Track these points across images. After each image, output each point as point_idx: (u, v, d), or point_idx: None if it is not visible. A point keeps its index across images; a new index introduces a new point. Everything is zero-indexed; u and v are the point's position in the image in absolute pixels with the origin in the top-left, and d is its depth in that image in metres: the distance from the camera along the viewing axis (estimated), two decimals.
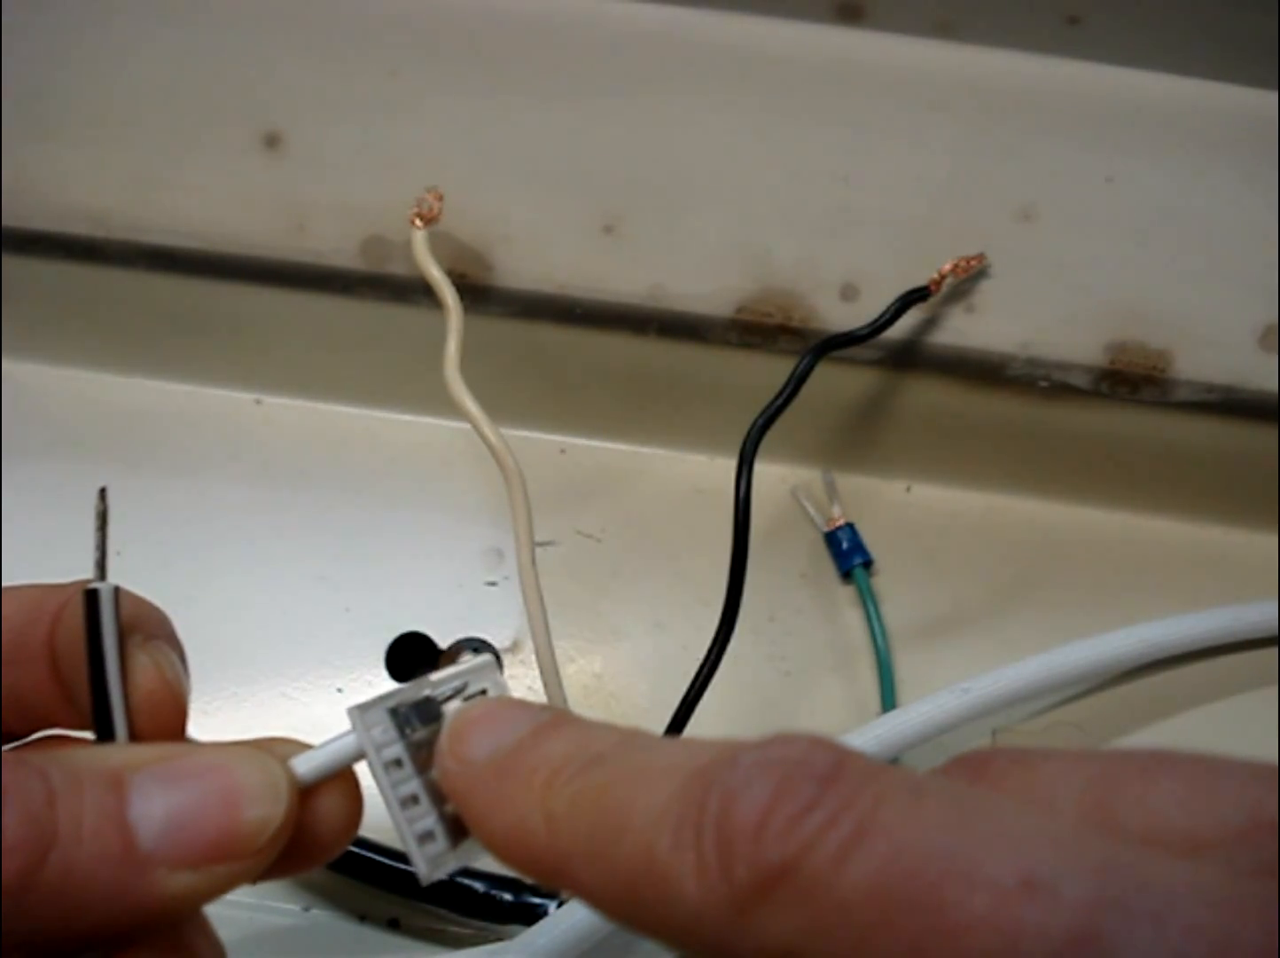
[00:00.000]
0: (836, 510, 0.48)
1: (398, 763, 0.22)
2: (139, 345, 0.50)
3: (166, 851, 0.20)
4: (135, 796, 0.20)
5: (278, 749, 0.22)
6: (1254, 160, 0.45)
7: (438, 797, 0.22)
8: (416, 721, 0.23)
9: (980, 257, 0.44)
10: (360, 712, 0.22)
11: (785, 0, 0.46)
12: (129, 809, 0.20)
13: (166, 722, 0.23)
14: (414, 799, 0.22)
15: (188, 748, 0.22)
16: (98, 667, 0.23)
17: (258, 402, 0.51)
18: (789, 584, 0.47)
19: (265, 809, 0.20)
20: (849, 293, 0.45)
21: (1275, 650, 0.44)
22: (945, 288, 0.44)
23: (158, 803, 0.20)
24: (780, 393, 0.42)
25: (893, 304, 0.43)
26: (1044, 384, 0.45)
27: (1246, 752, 0.17)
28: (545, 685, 0.39)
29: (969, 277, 0.44)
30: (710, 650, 0.40)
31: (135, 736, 0.22)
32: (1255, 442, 0.46)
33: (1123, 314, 0.45)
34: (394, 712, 0.23)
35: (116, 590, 0.23)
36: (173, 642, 0.24)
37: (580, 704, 0.44)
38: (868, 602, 0.46)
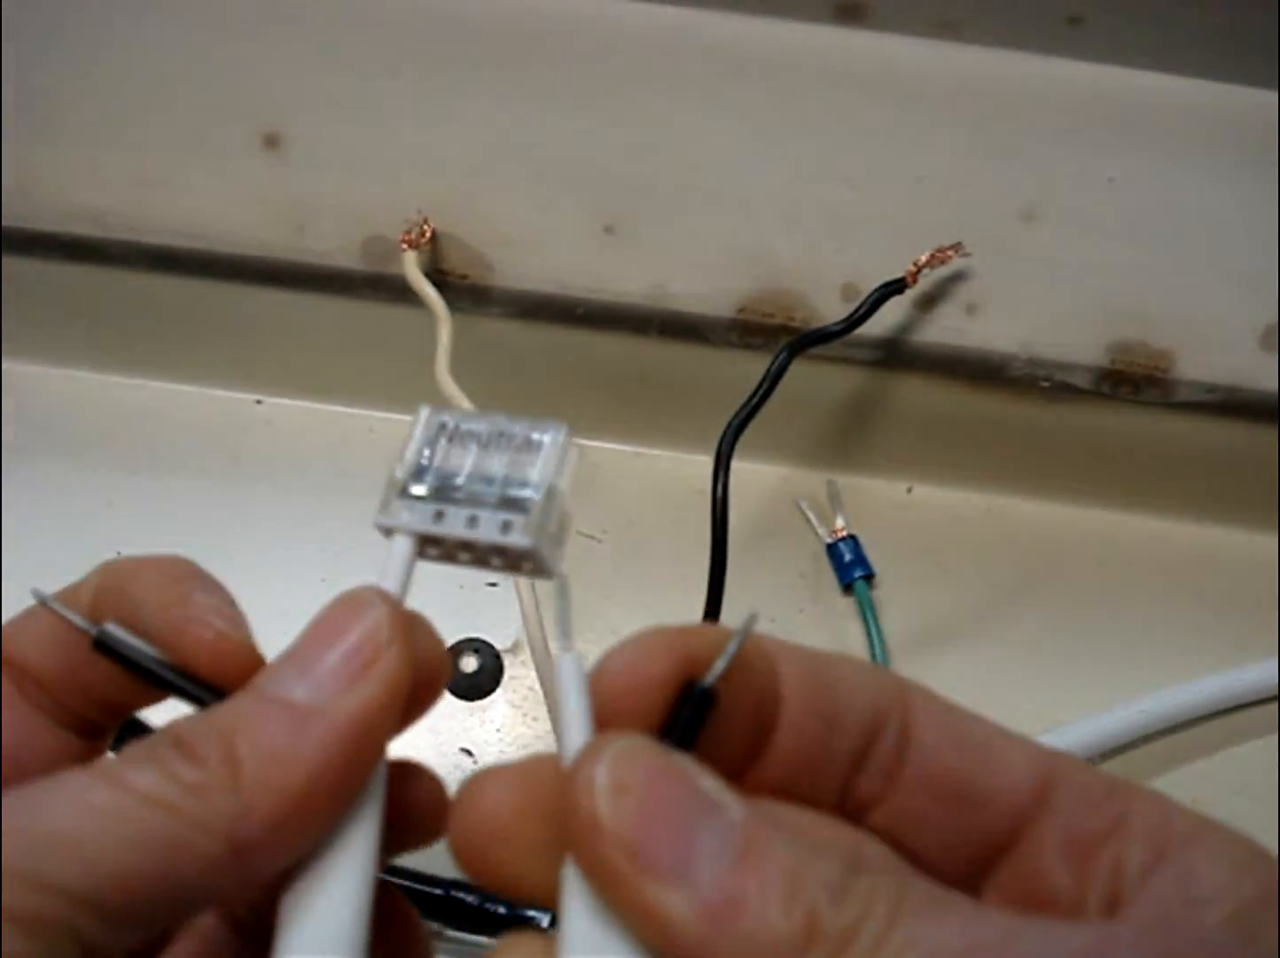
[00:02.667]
0: (840, 521, 0.47)
1: (438, 525, 0.22)
2: (139, 345, 0.50)
3: (314, 690, 0.20)
4: (267, 684, 0.20)
5: None
6: (1254, 160, 0.45)
7: (481, 488, 0.23)
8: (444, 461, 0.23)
9: (957, 246, 0.44)
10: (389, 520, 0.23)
11: (785, 0, 0.46)
12: (270, 692, 0.20)
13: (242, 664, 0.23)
14: (474, 522, 0.22)
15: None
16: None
17: (258, 402, 0.51)
18: (789, 585, 0.47)
19: (374, 608, 0.21)
20: (849, 293, 0.45)
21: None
22: (922, 279, 0.43)
23: (289, 673, 0.20)
24: (755, 391, 0.42)
25: (868, 297, 0.43)
26: (1045, 384, 0.45)
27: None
28: (542, 685, 0.39)
29: (948, 267, 0.44)
30: None
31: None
32: (1255, 442, 0.45)
33: (1124, 314, 0.45)
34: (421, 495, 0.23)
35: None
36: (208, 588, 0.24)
37: None
38: (868, 616, 0.45)
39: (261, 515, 0.48)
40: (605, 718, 0.20)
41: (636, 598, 0.47)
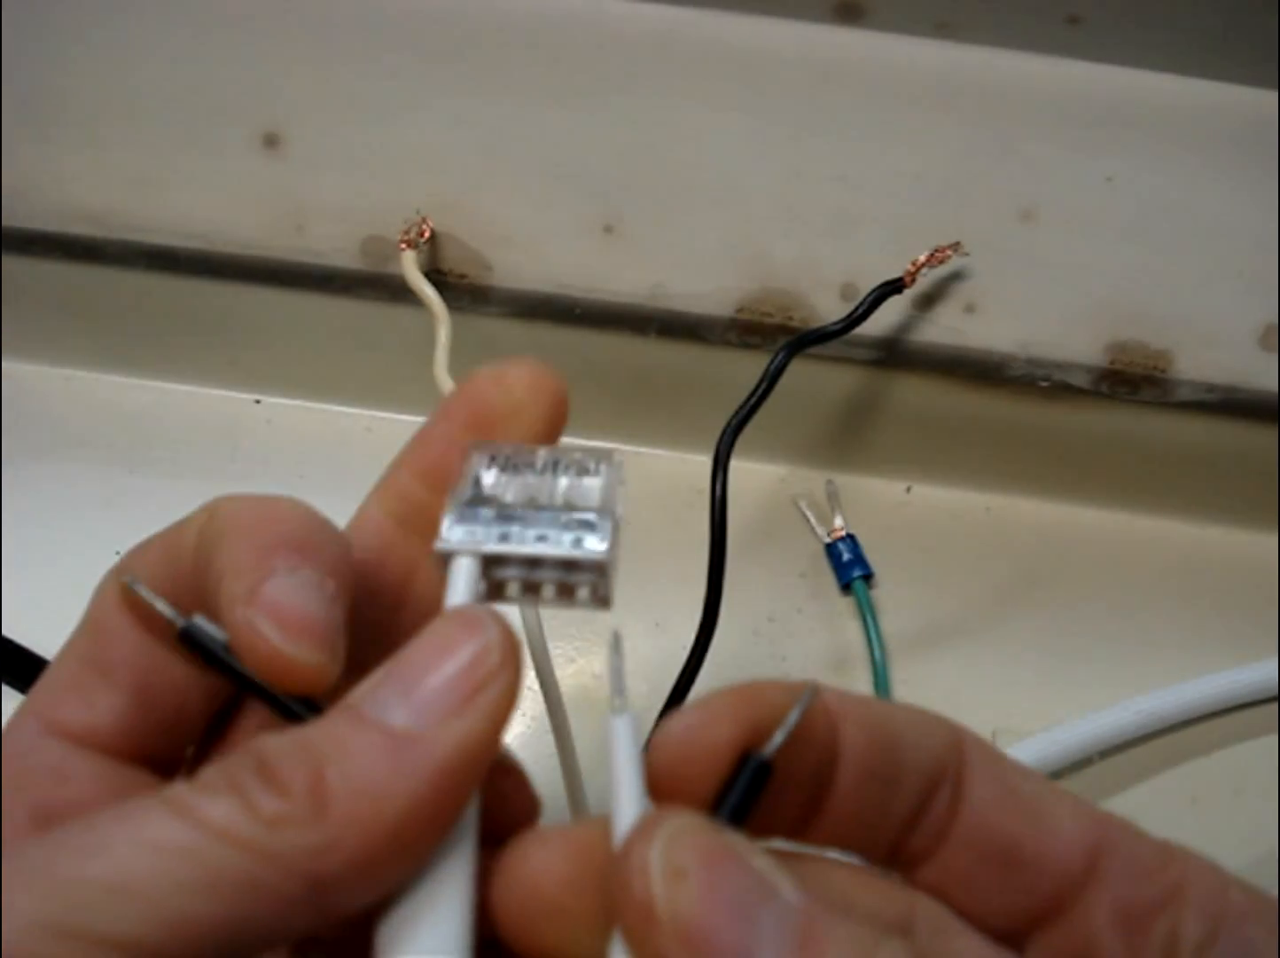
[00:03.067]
0: (838, 521, 0.47)
1: (503, 545, 0.22)
2: (139, 345, 0.50)
3: (417, 715, 0.18)
4: (366, 703, 0.19)
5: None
6: (1254, 160, 0.45)
7: (543, 511, 0.22)
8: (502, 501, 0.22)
9: (956, 245, 0.44)
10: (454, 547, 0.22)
11: (785, 0, 0.46)
12: (367, 714, 0.18)
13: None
14: (543, 538, 0.22)
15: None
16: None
17: (258, 402, 0.51)
18: (789, 585, 0.47)
19: (487, 629, 0.19)
20: (848, 292, 0.45)
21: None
22: (921, 279, 0.43)
23: (390, 693, 0.19)
24: (754, 391, 0.41)
25: (867, 297, 0.43)
26: (1044, 384, 0.45)
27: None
28: (542, 685, 0.39)
29: (946, 266, 0.44)
30: (694, 648, 0.40)
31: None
32: (1255, 442, 0.45)
33: (1123, 314, 0.45)
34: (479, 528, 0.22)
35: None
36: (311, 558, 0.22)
37: (580, 704, 0.44)
38: (867, 616, 0.45)
39: None
40: (660, 786, 0.19)
41: (635, 598, 0.46)
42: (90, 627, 0.23)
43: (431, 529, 0.22)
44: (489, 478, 0.23)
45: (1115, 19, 0.45)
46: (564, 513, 0.22)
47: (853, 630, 0.46)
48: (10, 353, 0.50)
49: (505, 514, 0.22)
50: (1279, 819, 0.41)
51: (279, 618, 0.20)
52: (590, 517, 0.22)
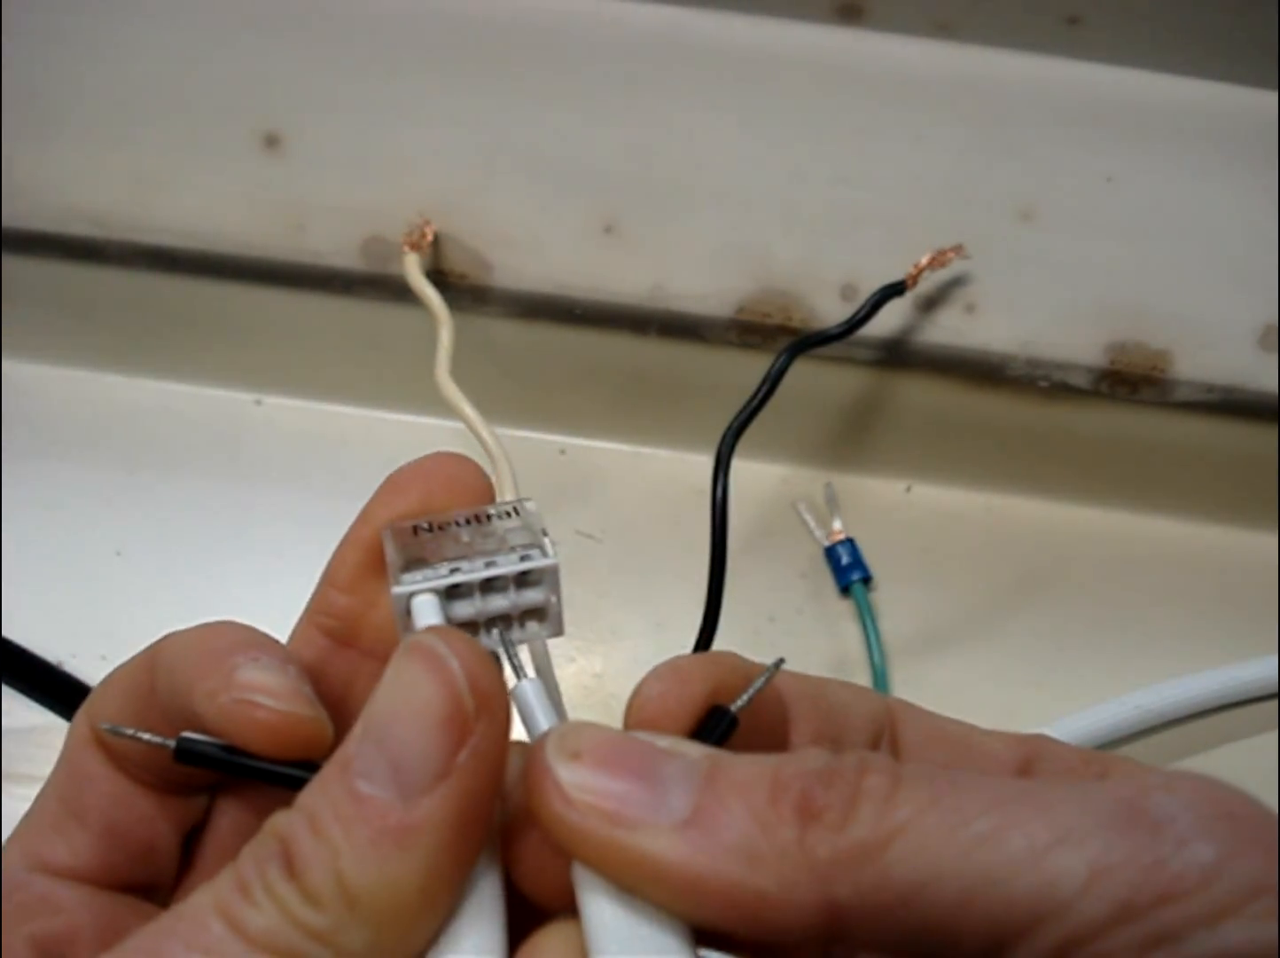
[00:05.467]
0: (837, 524, 0.47)
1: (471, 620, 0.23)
2: (139, 345, 0.50)
3: (409, 786, 0.19)
4: (359, 781, 0.19)
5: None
6: (1254, 160, 0.45)
7: (483, 547, 0.23)
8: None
9: (958, 248, 0.44)
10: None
11: (785, 0, 0.46)
12: (360, 789, 0.19)
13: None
14: (492, 564, 0.23)
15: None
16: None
17: (258, 402, 0.51)
18: (789, 585, 0.47)
19: (445, 668, 0.19)
20: (849, 293, 0.45)
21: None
22: (922, 281, 0.43)
23: (375, 761, 0.19)
24: (756, 393, 0.42)
25: (868, 300, 0.43)
26: (1044, 384, 0.45)
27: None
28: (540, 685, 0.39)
29: (947, 268, 0.44)
30: (695, 648, 0.40)
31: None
32: (1255, 442, 0.46)
33: (1123, 314, 0.45)
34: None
35: None
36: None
37: (580, 704, 0.44)
38: (866, 619, 0.45)
39: (261, 515, 0.48)
40: None
41: (635, 598, 0.47)
42: (66, 768, 0.24)
43: (368, 636, 0.24)
44: (418, 540, 0.23)
45: (1115, 19, 0.45)
46: (504, 542, 0.23)
47: (853, 631, 0.46)
48: (10, 353, 0.50)
49: (447, 559, 0.23)
50: (1279, 816, 0.41)
51: (265, 691, 0.21)
52: (529, 540, 0.23)
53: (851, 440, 0.49)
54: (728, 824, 0.18)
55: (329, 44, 0.47)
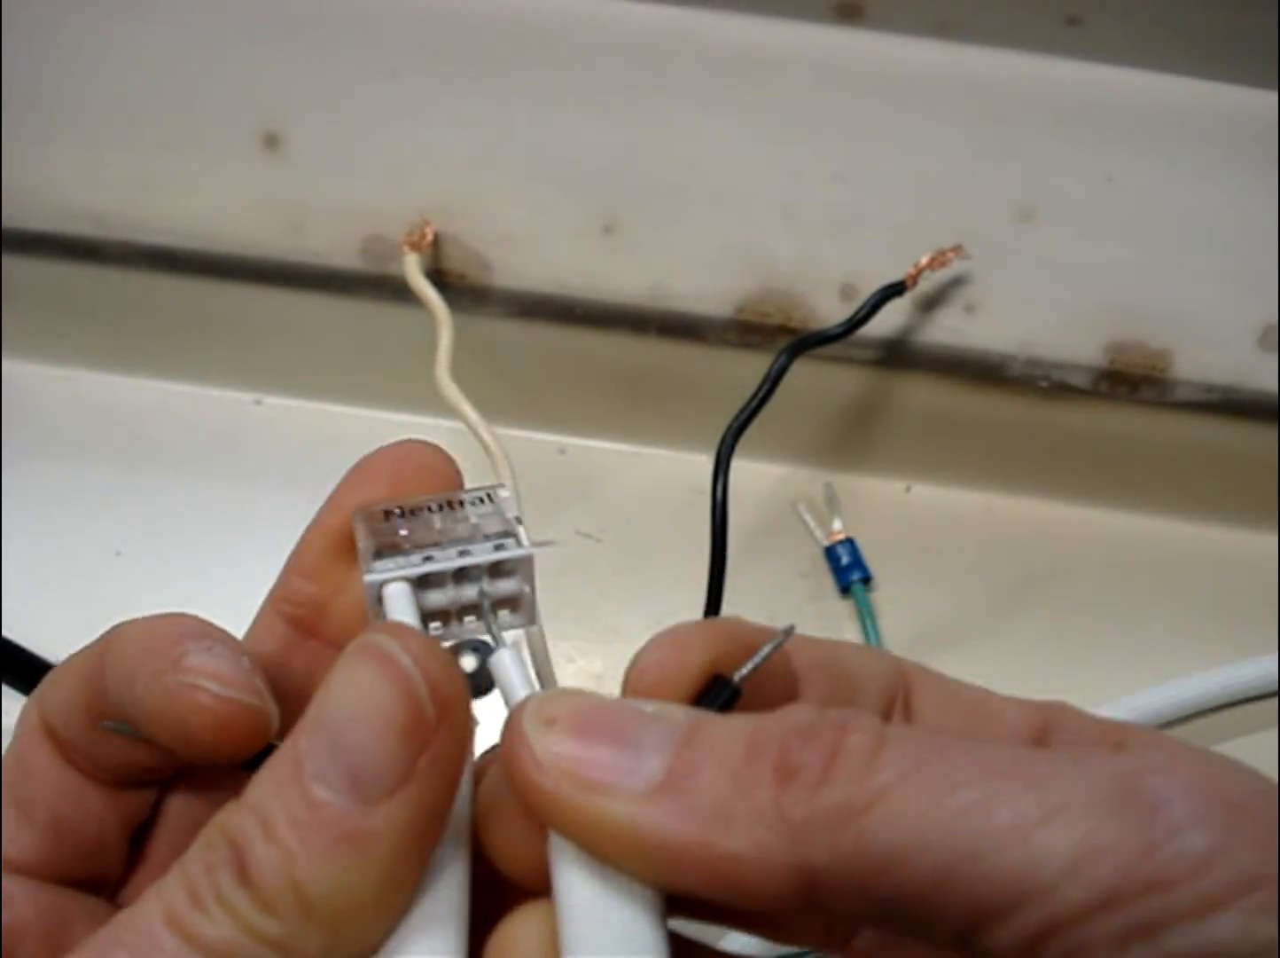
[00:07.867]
0: (837, 524, 0.47)
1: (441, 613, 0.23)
2: (139, 345, 0.50)
3: (364, 793, 0.18)
4: (314, 782, 0.18)
5: None
6: (1254, 160, 0.45)
7: (454, 539, 0.23)
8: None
9: (958, 248, 0.44)
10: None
11: (785, 0, 0.46)
12: (315, 794, 0.18)
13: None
14: (465, 553, 0.22)
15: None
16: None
17: (257, 402, 0.51)
18: (789, 585, 0.47)
19: (402, 671, 0.19)
20: (849, 293, 0.45)
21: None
22: (922, 281, 0.43)
23: (327, 763, 0.18)
24: (756, 393, 0.41)
25: (868, 300, 0.43)
26: (1044, 384, 0.45)
27: None
28: (542, 685, 0.39)
29: (947, 268, 0.44)
30: None
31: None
32: (1255, 442, 0.46)
33: (1122, 314, 0.45)
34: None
35: None
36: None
37: None
38: (866, 619, 0.45)
39: (261, 515, 0.48)
40: None
41: (635, 597, 0.47)
42: (14, 759, 0.24)
43: (332, 624, 0.24)
44: (390, 526, 0.23)
45: (1115, 19, 0.45)
46: (478, 529, 0.23)
47: (853, 631, 0.46)
48: (10, 353, 0.50)
49: (420, 545, 0.23)
50: (1279, 815, 0.41)
51: (213, 675, 0.21)
52: (503, 528, 0.23)
53: (851, 440, 0.49)
54: (702, 786, 0.17)
55: (329, 44, 0.47)
